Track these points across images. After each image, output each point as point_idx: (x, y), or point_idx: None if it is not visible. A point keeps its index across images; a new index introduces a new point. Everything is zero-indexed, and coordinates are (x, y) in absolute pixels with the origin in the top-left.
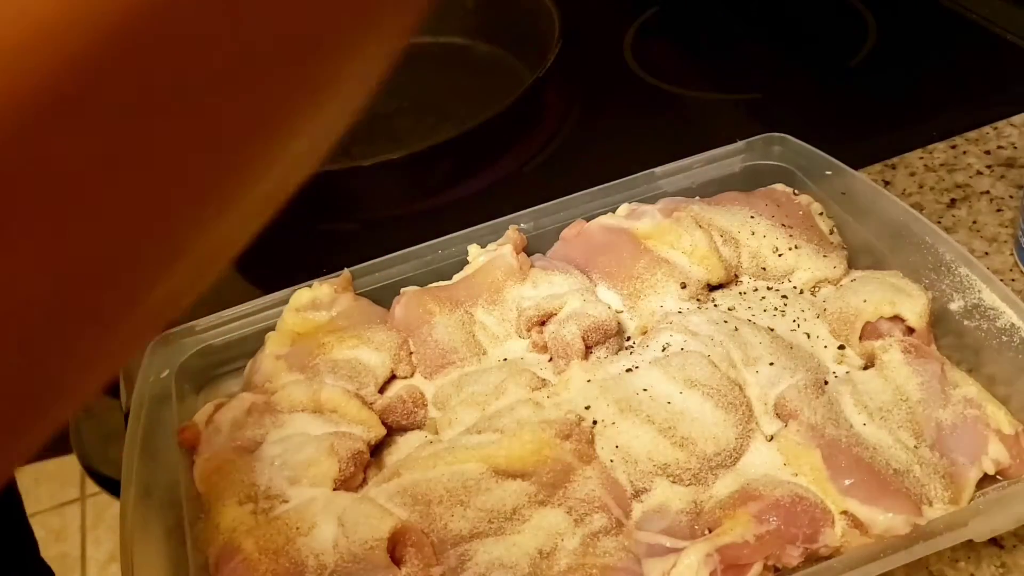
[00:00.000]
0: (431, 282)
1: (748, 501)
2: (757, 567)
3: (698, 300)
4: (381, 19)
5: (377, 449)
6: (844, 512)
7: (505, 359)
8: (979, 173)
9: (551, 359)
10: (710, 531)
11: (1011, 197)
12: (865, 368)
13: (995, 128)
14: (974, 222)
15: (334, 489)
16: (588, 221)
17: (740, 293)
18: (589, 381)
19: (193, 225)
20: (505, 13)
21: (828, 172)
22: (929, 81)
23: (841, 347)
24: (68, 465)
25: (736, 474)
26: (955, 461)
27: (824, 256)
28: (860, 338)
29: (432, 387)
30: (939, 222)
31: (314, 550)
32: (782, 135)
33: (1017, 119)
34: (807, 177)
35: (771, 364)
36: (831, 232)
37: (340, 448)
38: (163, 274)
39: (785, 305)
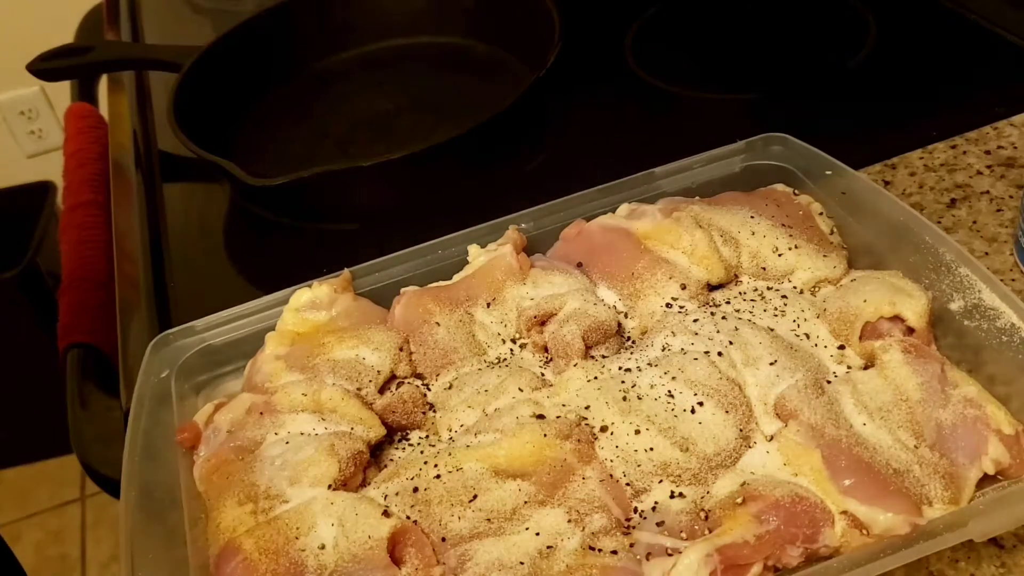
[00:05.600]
0: (431, 282)
1: (748, 501)
2: (757, 567)
3: (698, 300)
4: None
5: (377, 449)
6: (844, 512)
7: (505, 359)
8: (979, 173)
9: (551, 359)
10: (710, 531)
11: (1011, 197)
12: (865, 368)
13: (995, 128)
14: (974, 222)
15: (334, 489)
16: (588, 221)
17: (740, 293)
18: (589, 381)
19: None
20: (505, 13)
21: (828, 172)
22: (929, 81)
23: (841, 347)
24: (68, 465)
25: (736, 474)
26: (955, 461)
27: (824, 256)
28: (860, 338)
29: (432, 387)
30: (939, 222)
31: (314, 550)
32: (782, 135)
33: (1017, 119)
34: (807, 177)
35: (771, 364)
36: (831, 232)
37: (340, 448)
38: None
39: (785, 305)
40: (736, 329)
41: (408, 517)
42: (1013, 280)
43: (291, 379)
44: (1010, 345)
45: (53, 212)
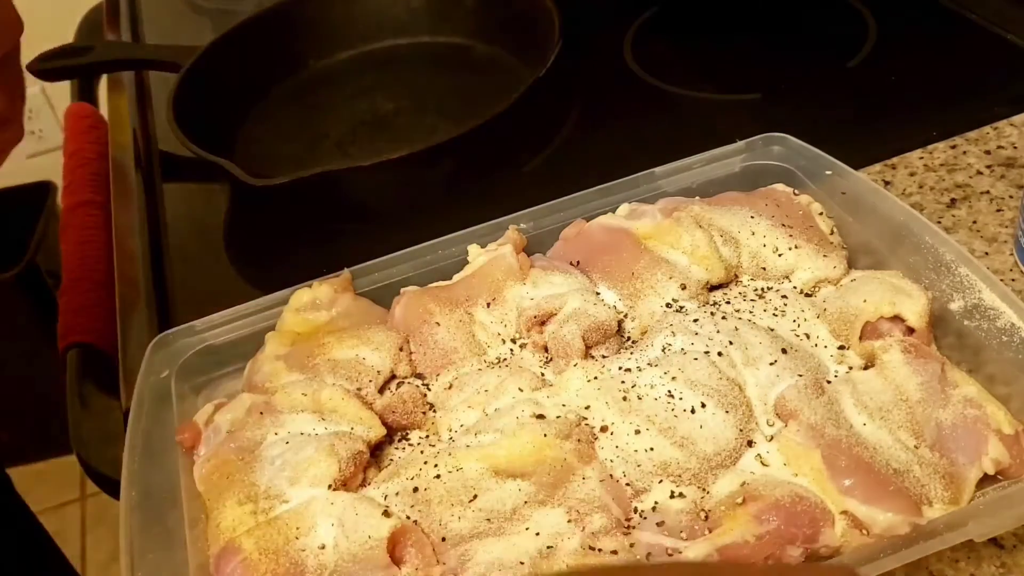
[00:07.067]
0: (431, 282)
1: (748, 501)
2: None
3: (698, 300)
4: None
5: (377, 449)
6: (844, 512)
7: (505, 359)
8: (979, 173)
9: (551, 359)
10: (710, 531)
11: (1011, 197)
12: (865, 368)
13: (995, 128)
14: (974, 222)
15: (334, 489)
16: (588, 221)
17: (740, 293)
18: (589, 381)
19: None
20: (505, 13)
21: (828, 172)
22: (929, 81)
23: (841, 347)
24: (68, 465)
25: (736, 474)
26: (955, 461)
27: (824, 256)
28: (860, 338)
29: (432, 387)
30: (939, 222)
31: (314, 550)
32: (782, 135)
33: (1017, 119)
34: (807, 177)
35: (771, 364)
36: (831, 232)
37: (340, 448)
38: None
39: (785, 305)
40: (736, 329)
41: (408, 517)
42: (1013, 280)
43: (291, 379)
44: (1010, 345)
45: (53, 212)
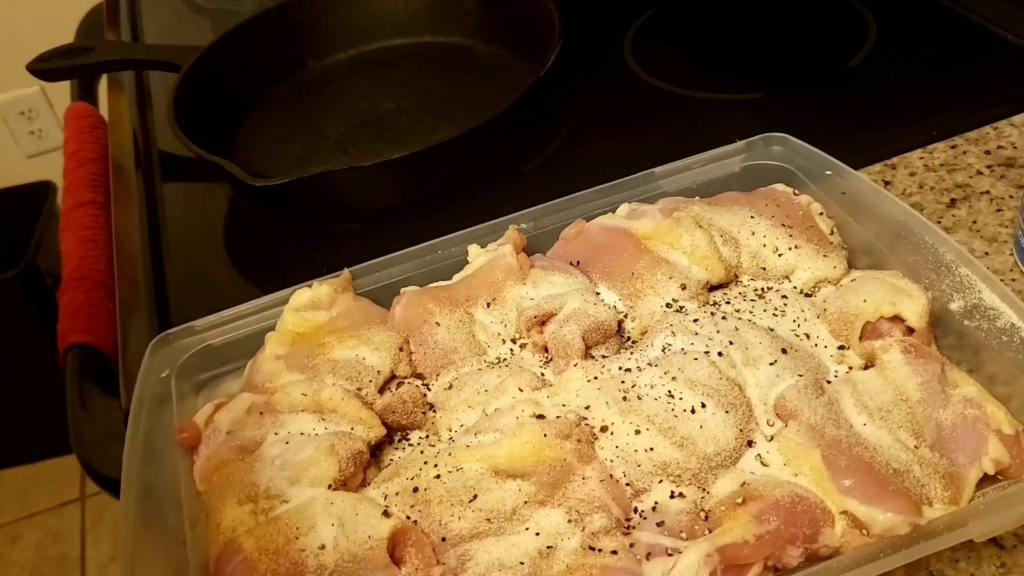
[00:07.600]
0: (431, 282)
1: (748, 501)
2: (757, 567)
3: (698, 300)
4: None
5: (377, 449)
6: (844, 512)
7: (505, 359)
8: (979, 173)
9: (551, 359)
10: (710, 531)
11: (1011, 197)
12: (865, 368)
13: (995, 128)
14: (974, 222)
15: (334, 489)
16: (588, 221)
17: (740, 293)
18: (589, 381)
19: None
20: (505, 13)
21: (828, 172)
22: (929, 81)
23: (841, 347)
24: (68, 465)
25: (736, 474)
26: (955, 461)
27: (824, 256)
28: (860, 338)
29: (432, 387)
30: (939, 222)
31: (314, 550)
32: (782, 135)
33: (1017, 119)
34: (807, 177)
35: (771, 364)
36: (831, 232)
37: (340, 448)
38: None
39: (785, 305)
40: (736, 329)
41: (408, 517)
42: (1013, 280)
43: (291, 379)
44: (1010, 345)
45: (53, 212)
